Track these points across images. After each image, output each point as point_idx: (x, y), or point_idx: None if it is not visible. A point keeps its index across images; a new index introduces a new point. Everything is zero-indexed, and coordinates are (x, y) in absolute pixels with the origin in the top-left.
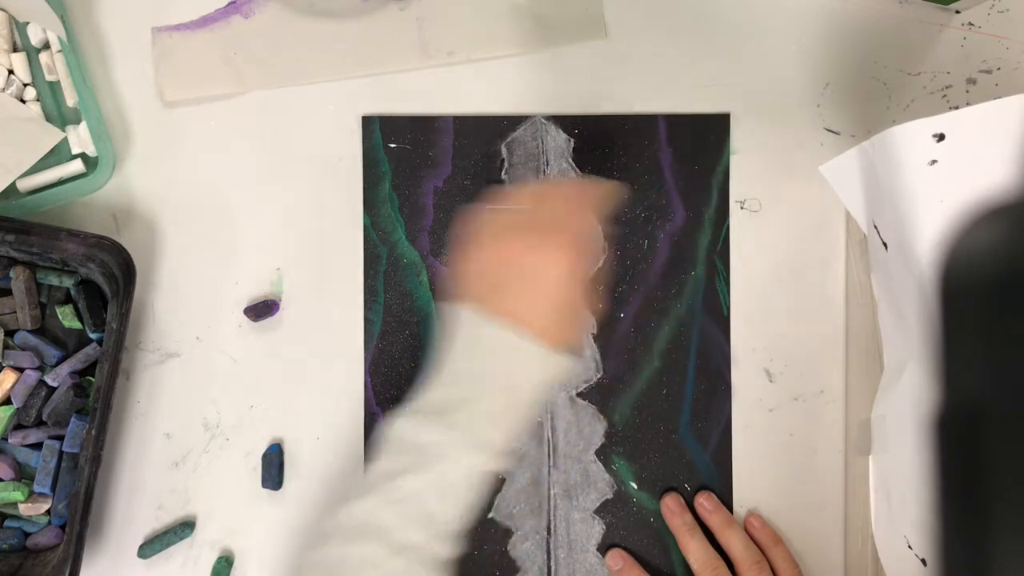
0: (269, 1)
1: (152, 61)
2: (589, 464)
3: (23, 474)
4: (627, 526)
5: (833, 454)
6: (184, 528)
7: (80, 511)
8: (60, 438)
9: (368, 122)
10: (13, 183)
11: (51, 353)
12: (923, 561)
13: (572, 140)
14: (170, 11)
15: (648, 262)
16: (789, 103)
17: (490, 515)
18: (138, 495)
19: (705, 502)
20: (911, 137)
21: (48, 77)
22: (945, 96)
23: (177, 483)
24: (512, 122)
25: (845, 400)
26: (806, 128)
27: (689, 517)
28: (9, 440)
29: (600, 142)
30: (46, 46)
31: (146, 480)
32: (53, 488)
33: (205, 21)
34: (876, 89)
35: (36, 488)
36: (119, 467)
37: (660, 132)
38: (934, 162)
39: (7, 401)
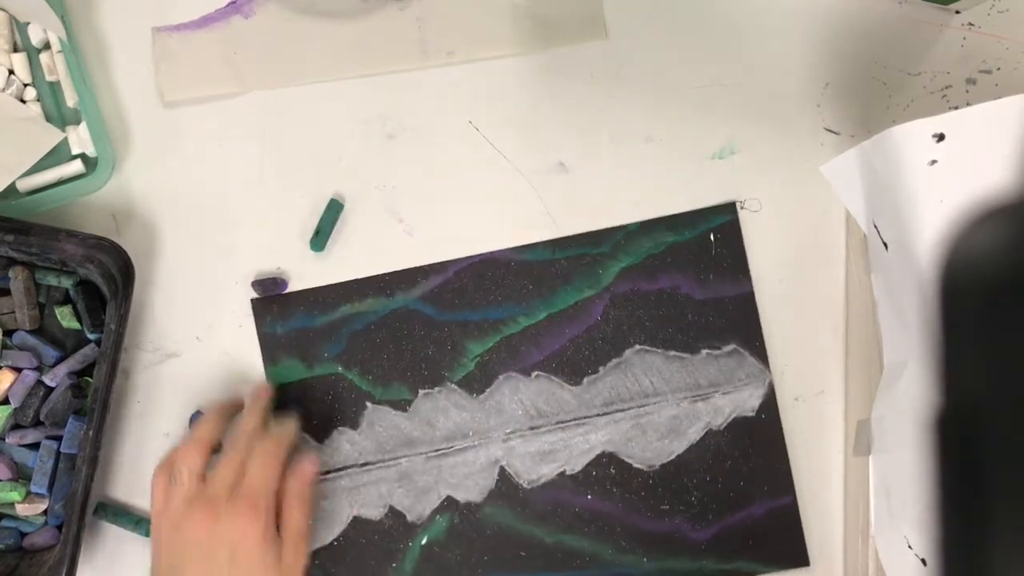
0: (269, 1)
1: (152, 61)
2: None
3: (20, 474)
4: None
5: (833, 454)
6: None
7: (77, 511)
8: (58, 438)
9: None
10: (13, 183)
11: (49, 353)
12: (923, 561)
13: None
14: (170, 11)
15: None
16: (789, 103)
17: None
18: (136, 495)
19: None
20: (911, 137)
21: (48, 77)
22: (945, 96)
23: None
24: None
25: (845, 400)
26: (806, 128)
27: None
28: (6, 440)
29: None
30: (46, 46)
31: (145, 480)
32: (50, 488)
33: (205, 21)
34: (876, 89)
35: (33, 488)
36: (118, 467)
37: None
38: (934, 162)
39: (5, 401)
